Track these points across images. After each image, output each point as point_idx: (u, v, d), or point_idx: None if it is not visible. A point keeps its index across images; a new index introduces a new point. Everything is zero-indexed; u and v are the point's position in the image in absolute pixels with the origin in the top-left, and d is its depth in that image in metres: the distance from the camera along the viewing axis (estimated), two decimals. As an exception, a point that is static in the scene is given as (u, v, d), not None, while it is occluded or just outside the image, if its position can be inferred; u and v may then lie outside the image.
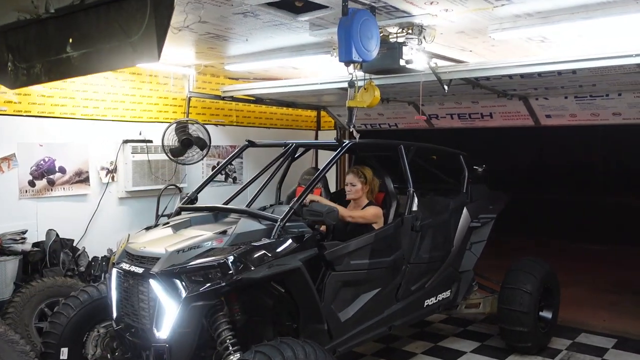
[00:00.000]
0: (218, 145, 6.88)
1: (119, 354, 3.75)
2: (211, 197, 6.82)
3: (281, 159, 4.71)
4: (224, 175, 6.98)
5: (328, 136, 8.20)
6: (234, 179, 7.11)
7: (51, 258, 4.94)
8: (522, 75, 4.88)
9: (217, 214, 3.86)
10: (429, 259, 4.50)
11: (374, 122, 7.71)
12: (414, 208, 4.27)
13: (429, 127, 7.39)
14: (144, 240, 3.54)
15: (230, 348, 3.21)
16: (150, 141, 5.98)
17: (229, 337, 3.24)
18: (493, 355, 5.11)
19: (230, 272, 3.07)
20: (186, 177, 6.39)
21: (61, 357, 3.76)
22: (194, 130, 5.96)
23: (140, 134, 5.97)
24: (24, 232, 4.91)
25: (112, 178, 5.78)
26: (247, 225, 3.44)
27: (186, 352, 3.16)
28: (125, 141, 5.82)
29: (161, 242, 3.43)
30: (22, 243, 4.83)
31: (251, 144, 4.75)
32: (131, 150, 5.80)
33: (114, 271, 3.50)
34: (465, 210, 4.96)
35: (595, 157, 12.10)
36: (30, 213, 5.16)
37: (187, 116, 6.30)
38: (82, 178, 5.53)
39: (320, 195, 4.87)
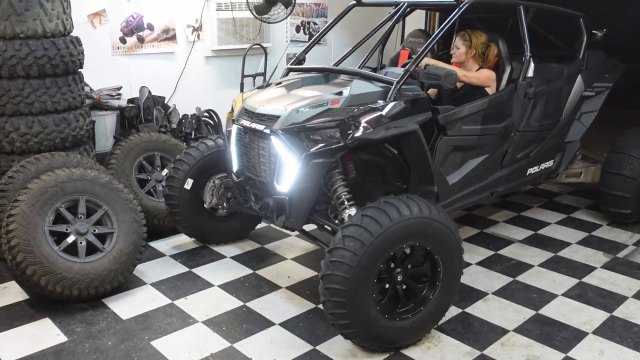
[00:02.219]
0: (302, 3, 6.60)
1: (232, 204, 4.12)
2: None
3: (393, 19, 4.43)
4: (307, 36, 6.77)
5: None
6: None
7: (145, 114, 5.15)
8: None
9: (327, 75, 3.87)
10: (538, 128, 4.40)
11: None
12: (529, 74, 4.11)
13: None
14: (261, 99, 3.61)
15: (346, 203, 3.39)
16: (235, -3, 5.81)
17: (344, 192, 3.42)
18: (579, 227, 5.02)
19: (350, 131, 3.16)
20: (270, 36, 6.25)
21: (185, 186, 4.11)
22: (279, -15, 5.70)
23: (224, -11, 5.81)
24: (119, 88, 5.09)
25: (198, 36, 5.75)
26: (362, 86, 3.46)
27: (305, 205, 3.37)
28: (210, -3, 5.69)
29: (278, 101, 3.50)
30: (118, 99, 5.03)
31: (358, 2, 4.48)
32: (215, 7, 5.67)
33: (234, 127, 3.67)
34: (579, 78, 4.69)
35: None
36: (123, 69, 5.30)
37: (271, -30, 6.00)
38: (169, 35, 5.54)
39: None
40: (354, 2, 4.48)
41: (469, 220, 5.16)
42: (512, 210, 5.41)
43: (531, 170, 4.56)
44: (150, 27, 5.39)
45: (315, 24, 6.80)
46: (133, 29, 5.28)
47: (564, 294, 3.87)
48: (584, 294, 3.88)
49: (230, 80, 6.02)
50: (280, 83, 3.82)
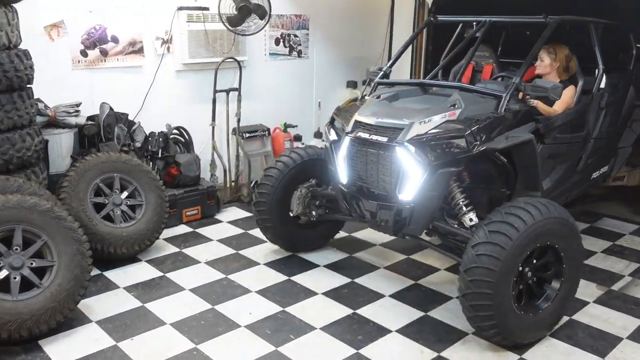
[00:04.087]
0: (282, 15, 6.29)
1: (319, 212, 4.35)
2: (275, 71, 6.40)
3: (474, 35, 4.48)
4: (287, 48, 6.45)
5: (404, 4, 7.30)
6: (299, 53, 6.57)
7: (105, 132, 4.81)
8: None
9: (422, 87, 4.02)
10: (606, 135, 4.63)
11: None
12: (602, 85, 4.41)
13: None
14: (373, 111, 3.69)
15: (464, 208, 3.56)
16: (207, 8, 5.48)
17: (462, 199, 3.58)
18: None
19: (476, 142, 3.31)
20: (246, 49, 5.92)
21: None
22: (253, -5, 5.39)
23: (195, 0, 5.48)
24: (77, 105, 4.74)
25: (168, 49, 5.42)
26: (472, 99, 3.62)
27: (429, 212, 3.52)
28: (180, 8, 5.36)
29: (394, 113, 3.60)
30: (76, 116, 4.68)
31: (435, 19, 4.61)
32: (186, 18, 5.35)
33: (347, 140, 3.73)
34: (631, 88, 4.90)
35: None
36: (84, 85, 4.97)
37: (247, -20, 5.69)
38: (136, 48, 5.22)
39: (492, 71, 5.02)
40: (431, 19, 4.61)
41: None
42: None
43: (594, 175, 4.76)
44: (115, 40, 5.07)
45: (296, 36, 6.48)
46: (95, 42, 4.96)
47: (551, 335, 3.49)
48: (573, 335, 3.51)
49: (203, 95, 5.70)
50: (379, 96, 3.92)
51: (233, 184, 5.99)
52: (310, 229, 4.57)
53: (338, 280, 4.20)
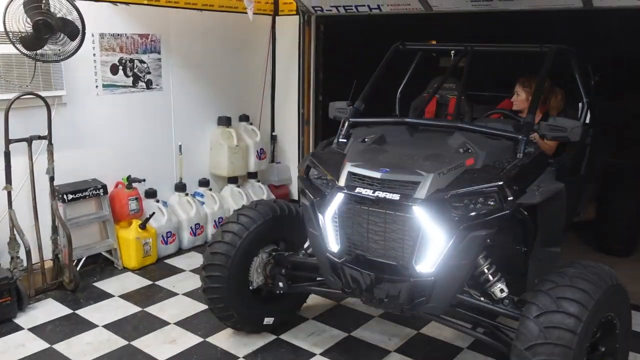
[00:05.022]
0: (119, 34, 4.76)
1: (284, 284, 3.62)
2: (113, 108, 4.87)
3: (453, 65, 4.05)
4: (130, 78, 4.91)
5: (287, 24, 6.02)
6: (148, 83, 5.05)
7: None
8: None
9: (409, 127, 3.44)
10: (587, 172, 4.24)
11: (348, 3, 5.55)
12: (587, 120, 3.98)
13: (425, 12, 5.29)
14: (365, 159, 3.05)
15: (492, 278, 3.10)
16: (-8, 24, 3.89)
17: (487, 265, 3.11)
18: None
19: (510, 197, 2.83)
20: (63, 81, 4.33)
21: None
22: (56, 6, 3.83)
23: (-27, 12, 3.86)
24: None
25: None
26: (482, 142, 3.13)
27: (456, 286, 2.96)
28: (-54, 23, 3.73)
29: (397, 162, 2.99)
30: None
31: (403, 46, 3.96)
32: (-43, 38, 3.73)
33: (340, 197, 3.03)
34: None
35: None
36: None
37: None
38: None
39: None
40: (399, 46, 3.98)
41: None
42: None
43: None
44: None
45: (142, 62, 4.97)
46: None
47: None
48: None
49: (-5, 146, 4.04)
50: (363, 139, 3.32)
51: (52, 264, 4.35)
52: (274, 302, 3.84)
53: None
